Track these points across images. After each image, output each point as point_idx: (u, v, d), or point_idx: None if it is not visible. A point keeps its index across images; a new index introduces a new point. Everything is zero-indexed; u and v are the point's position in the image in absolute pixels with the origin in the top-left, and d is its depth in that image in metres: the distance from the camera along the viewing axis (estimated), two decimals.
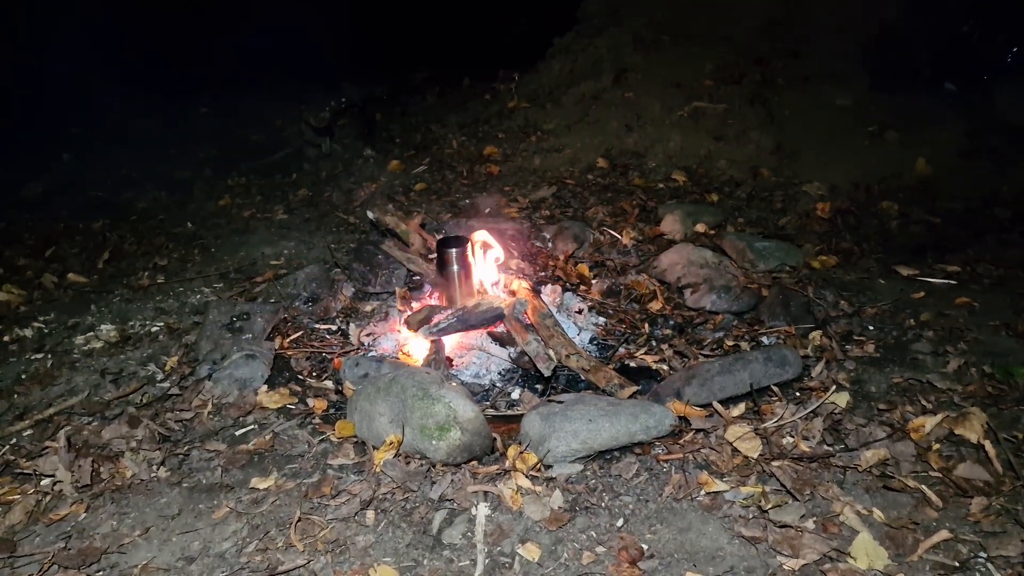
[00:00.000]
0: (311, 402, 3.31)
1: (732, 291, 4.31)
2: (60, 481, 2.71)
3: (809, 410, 2.94)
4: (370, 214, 4.94)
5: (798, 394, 3.15)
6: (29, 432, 3.08)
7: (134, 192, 6.62)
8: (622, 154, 6.52)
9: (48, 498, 2.67)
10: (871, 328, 3.71)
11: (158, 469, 2.83)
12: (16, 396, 3.40)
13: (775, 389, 3.17)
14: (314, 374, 3.62)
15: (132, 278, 4.74)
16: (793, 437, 2.84)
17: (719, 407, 3.02)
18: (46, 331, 4.03)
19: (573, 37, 8.27)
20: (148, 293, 4.48)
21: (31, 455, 2.89)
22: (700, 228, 5.08)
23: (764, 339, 3.77)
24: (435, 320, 3.83)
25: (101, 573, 2.33)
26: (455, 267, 3.99)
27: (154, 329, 3.98)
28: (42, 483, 2.73)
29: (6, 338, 3.97)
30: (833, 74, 7.03)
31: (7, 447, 2.97)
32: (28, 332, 4.01)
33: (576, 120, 7.12)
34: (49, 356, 3.75)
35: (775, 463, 2.69)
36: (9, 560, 2.38)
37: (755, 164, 6.14)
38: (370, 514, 2.57)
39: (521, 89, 8.06)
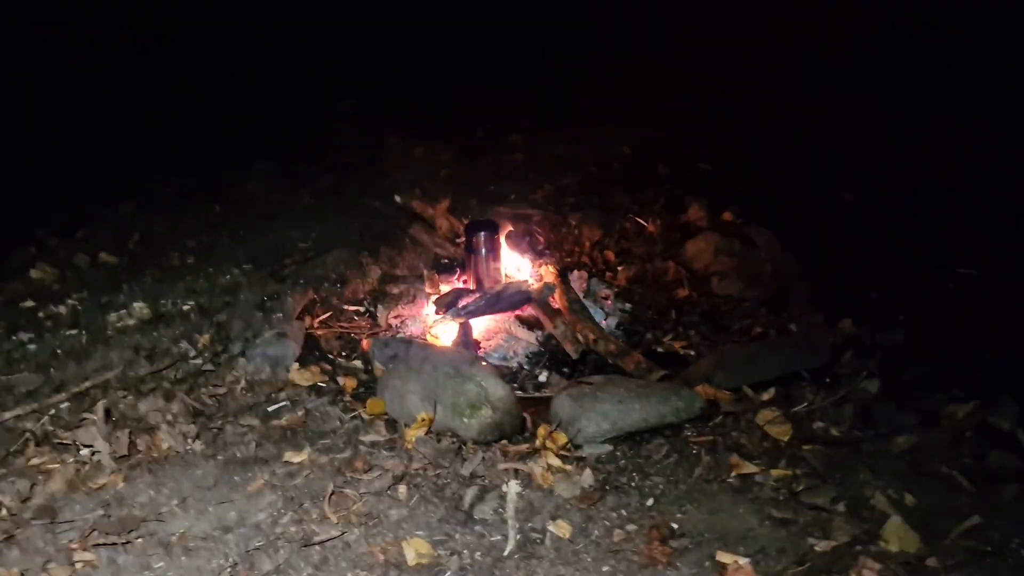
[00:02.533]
0: (341, 380, 3.35)
1: (759, 279, 4.32)
2: (98, 452, 2.76)
3: (839, 395, 2.94)
4: (397, 198, 4.97)
5: (828, 380, 3.15)
6: (66, 404, 3.13)
7: (162, 175, 6.69)
8: (646, 143, 6.52)
9: (87, 468, 2.71)
10: (900, 317, 3.70)
11: (193, 442, 2.87)
12: (52, 370, 3.45)
13: (805, 375, 3.17)
14: (343, 354, 3.66)
15: (162, 259, 4.79)
16: (823, 422, 2.84)
17: (749, 391, 3.03)
18: (79, 308, 4.09)
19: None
20: (178, 273, 4.53)
21: (69, 426, 2.94)
22: (727, 216, 5.07)
23: (792, 327, 3.77)
24: (463, 303, 3.86)
25: (140, 540, 2.37)
26: (483, 251, 4.01)
27: (185, 308, 4.02)
28: (81, 453, 2.77)
29: (41, 314, 4.03)
30: None
31: (46, 418, 3.02)
32: (62, 309, 4.07)
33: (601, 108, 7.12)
34: (83, 332, 3.80)
35: (806, 447, 2.70)
36: (50, 526, 2.43)
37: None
38: (402, 489, 2.60)
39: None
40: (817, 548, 2.27)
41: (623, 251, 4.79)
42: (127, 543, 2.35)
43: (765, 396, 3.02)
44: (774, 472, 2.61)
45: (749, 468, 2.63)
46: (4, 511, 2.50)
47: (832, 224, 4.95)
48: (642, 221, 5.08)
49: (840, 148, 6.02)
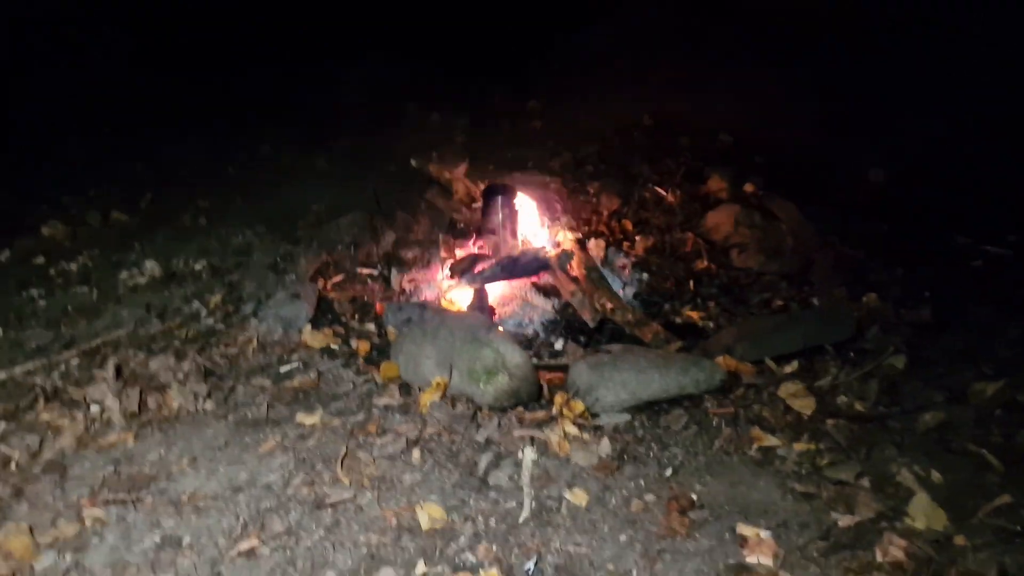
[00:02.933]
0: (354, 344, 3.30)
1: (779, 252, 4.24)
2: (109, 409, 2.72)
3: (865, 370, 2.87)
4: (413, 162, 4.89)
5: (852, 355, 3.08)
6: (77, 361, 3.10)
7: (175, 135, 6.62)
8: (667, 113, 6.40)
9: (97, 424, 2.68)
10: (927, 294, 3.62)
11: (204, 402, 2.83)
12: (63, 327, 3.41)
13: (829, 349, 3.10)
14: (356, 317, 3.60)
15: (174, 219, 4.74)
16: (848, 397, 2.78)
17: (771, 364, 2.96)
18: (91, 266, 4.05)
19: None
20: (190, 233, 4.48)
21: (80, 383, 2.90)
22: (748, 188, 4.97)
23: (814, 300, 3.69)
24: (478, 268, 3.80)
25: (150, 498, 2.33)
26: (500, 216, 3.94)
27: (197, 268, 3.97)
28: (91, 410, 2.74)
29: (52, 271, 3.99)
30: None
31: (56, 374, 2.99)
32: (73, 266, 4.03)
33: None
34: (94, 290, 3.76)
35: (830, 421, 2.63)
36: (60, 481, 2.40)
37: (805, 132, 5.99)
38: (416, 453, 2.55)
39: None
40: (841, 523, 2.22)
41: (642, 221, 4.70)
42: (137, 501, 2.32)
43: (788, 369, 2.95)
44: (797, 446, 2.55)
45: (771, 441, 2.57)
46: (13, 465, 2.47)
47: (858, 199, 4.84)
48: (661, 191, 4.99)
49: (869, 122, 5.88)
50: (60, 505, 2.30)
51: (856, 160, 5.37)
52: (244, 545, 2.14)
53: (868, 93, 6.32)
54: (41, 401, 2.80)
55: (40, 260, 4.10)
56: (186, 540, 2.18)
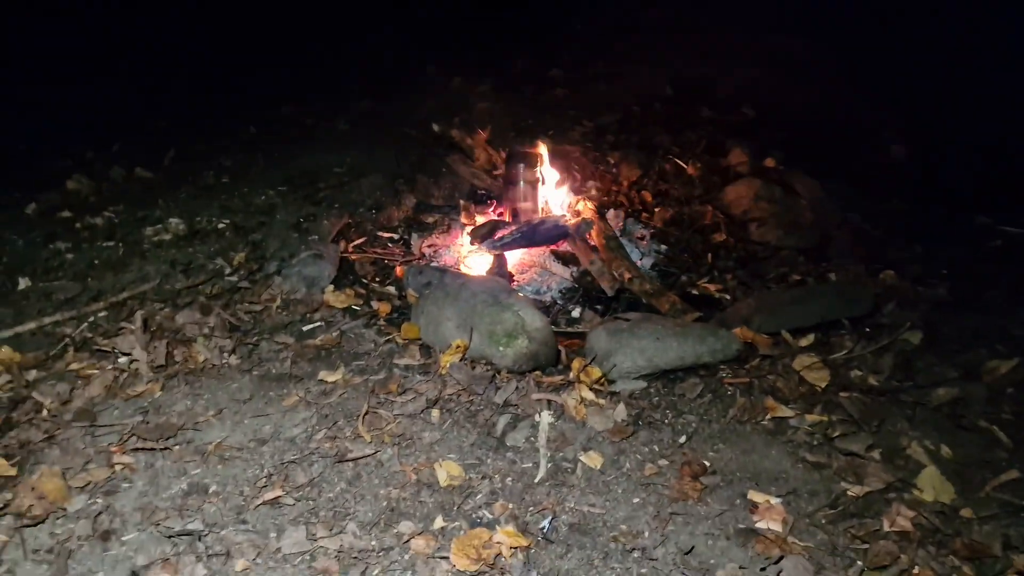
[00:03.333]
0: (375, 304, 3.35)
1: (799, 227, 4.24)
2: (136, 360, 2.78)
3: (880, 345, 2.90)
4: (435, 127, 4.90)
5: (868, 330, 3.11)
6: (104, 313, 3.16)
7: (198, 94, 6.65)
8: (689, 84, 6.37)
9: (125, 375, 2.75)
10: (944, 272, 3.63)
11: (229, 356, 2.89)
12: (90, 280, 3.48)
13: (845, 323, 3.13)
14: (377, 279, 3.65)
15: (197, 177, 4.78)
16: (862, 371, 2.81)
17: (787, 336, 2.99)
18: (116, 221, 4.10)
19: None
20: (213, 192, 4.52)
21: (108, 334, 2.97)
22: (769, 163, 4.97)
23: (832, 276, 3.71)
24: (498, 234, 3.83)
25: (178, 447, 2.41)
26: (522, 183, 3.96)
27: (221, 226, 4.02)
28: (119, 361, 2.80)
29: (77, 225, 4.05)
30: None
31: (84, 325, 3.05)
32: (99, 221, 4.09)
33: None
34: (120, 245, 3.82)
35: (843, 394, 2.67)
36: (90, 429, 2.47)
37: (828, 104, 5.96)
38: (435, 413, 2.61)
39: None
40: (850, 492, 2.26)
41: (661, 192, 4.71)
42: (165, 449, 2.39)
43: (803, 342, 2.98)
44: (809, 417, 2.59)
45: (784, 412, 2.61)
46: (45, 412, 2.54)
47: (878, 175, 4.83)
48: (682, 163, 4.99)
49: (893, 97, 5.85)
50: (91, 451, 2.37)
51: (879, 135, 5.35)
52: (268, 495, 2.21)
53: (894, 68, 6.27)
54: (71, 351, 2.87)
55: (66, 214, 4.16)
56: (212, 487, 2.25)
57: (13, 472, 2.25)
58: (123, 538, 2.07)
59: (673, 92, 6.29)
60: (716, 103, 6.07)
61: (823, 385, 2.72)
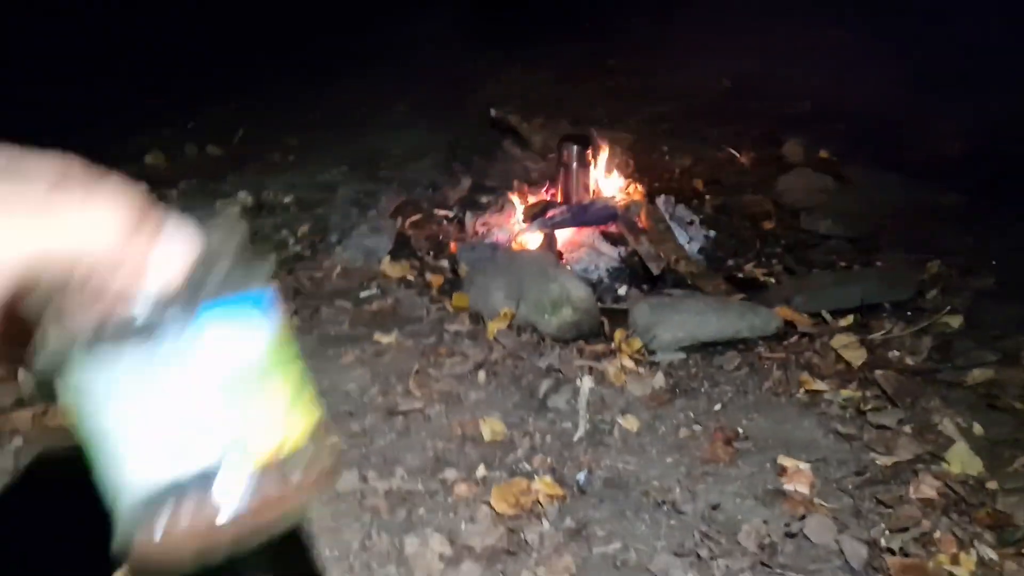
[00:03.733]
0: (429, 277, 3.51)
1: (849, 218, 4.27)
2: None
3: (919, 327, 2.95)
4: (493, 112, 5.05)
5: (909, 314, 3.15)
6: None
7: (265, 78, 6.90)
8: (747, 76, 6.39)
9: None
10: (994, 263, 3.63)
11: (293, 317, 3.08)
12: None
13: (886, 306, 3.18)
14: (432, 254, 3.81)
15: (264, 155, 5.01)
16: (900, 351, 2.86)
17: (828, 316, 3.06)
18: (189, 193, 4.35)
19: None
20: (279, 169, 4.75)
21: None
22: (822, 155, 4.99)
23: (879, 264, 3.74)
24: (549, 214, 3.95)
25: None
26: (574, 165, 4.07)
27: (286, 200, 4.24)
28: None
29: (155, 195, 4.29)
30: None
31: None
32: (174, 192, 4.34)
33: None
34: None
35: (878, 372, 2.73)
36: None
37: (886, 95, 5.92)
38: (481, 374, 2.75)
39: None
40: (878, 462, 2.34)
41: (712, 181, 4.77)
42: None
43: (843, 322, 3.04)
44: (843, 392, 2.66)
45: (819, 386, 2.68)
46: None
47: (934, 167, 4.81)
48: (735, 153, 5.05)
49: (952, 90, 5.79)
50: None
51: (935, 128, 5.31)
52: None
53: (952, 59, 6.19)
54: None
55: (144, 186, 4.42)
56: None
57: None
58: None
59: (730, 83, 6.32)
60: (773, 94, 6.08)
61: (859, 363, 2.78)
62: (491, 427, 2.51)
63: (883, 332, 2.94)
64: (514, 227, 4.10)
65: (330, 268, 3.47)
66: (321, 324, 3.07)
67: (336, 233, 3.73)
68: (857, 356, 2.80)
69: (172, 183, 4.45)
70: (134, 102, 6.12)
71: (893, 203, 4.41)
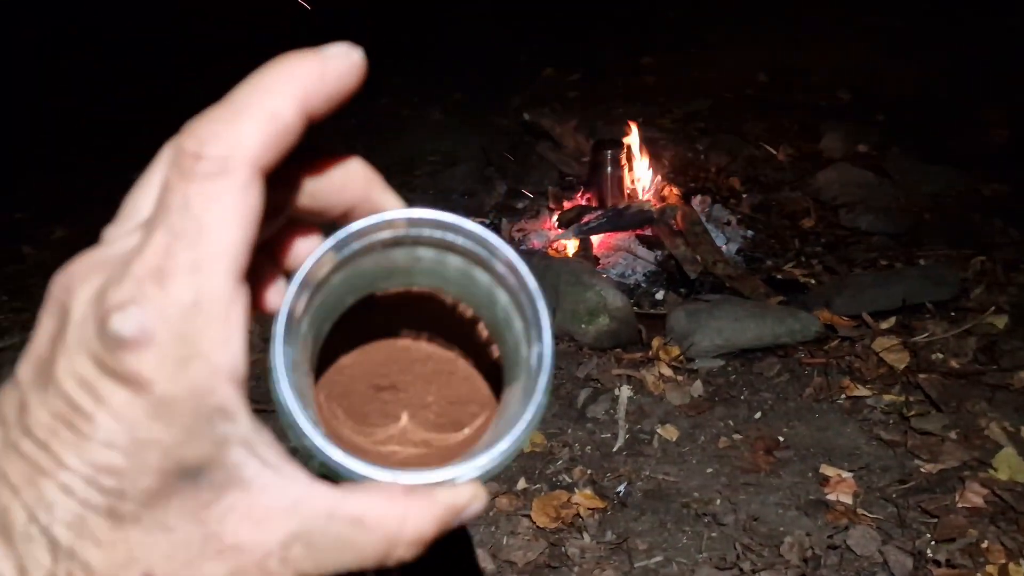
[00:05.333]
0: None
1: (891, 212, 4.20)
2: None
3: (963, 328, 2.90)
4: (526, 116, 5.06)
5: (953, 314, 3.09)
6: None
7: None
8: (783, 69, 6.31)
9: None
10: None
11: None
12: None
13: (929, 306, 3.12)
14: None
15: None
16: (943, 353, 2.82)
17: (868, 318, 3.02)
18: None
19: None
20: None
21: None
22: (862, 148, 4.91)
23: (921, 262, 3.68)
24: (585, 219, 3.95)
25: None
26: (608, 169, 4.07)
27: None
28: None
29: None
30: None
31: None
32: None
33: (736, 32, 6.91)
34: None
35: (922, 375, 2.69)
36: None
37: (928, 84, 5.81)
38: None
39: None
40: (923, 469, 2.31)
41: (750, 179, 4.73)
42: None
43: (884, 324, 3.00)
44: (886, 397, 2.63)
45: (861, 391, 2.65)
46: None
47: (977, 159, 4.71)
48: (772, 149, 4.99)
49: (997, 79, 5.66)
50: None
51: (979, 117, 5.20)
52: None
53: (997, 47, 6.05)
54: None
55: None
56: None
57: None
58: None
59: (766, 77, 6.25)
60: (810, 87, 6.00)
61: (902, 366, 2.74)
62: (531, 438, 2.53)
63: (926, 334, 2.89)
64: (549, 233, 4.11)
65: None
66: None
67: None
68: (900, 359, 2.77)
69: None
70: (174, 94, 6.24)
71: (935, 196, 4.33)
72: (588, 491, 2.30)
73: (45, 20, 7.08)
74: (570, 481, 2.35)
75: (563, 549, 2.12)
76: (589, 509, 2.23)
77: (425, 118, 6.03)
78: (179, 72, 6.21)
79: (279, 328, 0.41)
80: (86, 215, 4.17)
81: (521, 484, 2.34)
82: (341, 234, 0.45)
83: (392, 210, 0.48)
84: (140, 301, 0.34)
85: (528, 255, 3.66)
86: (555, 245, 4.00)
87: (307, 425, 0.40)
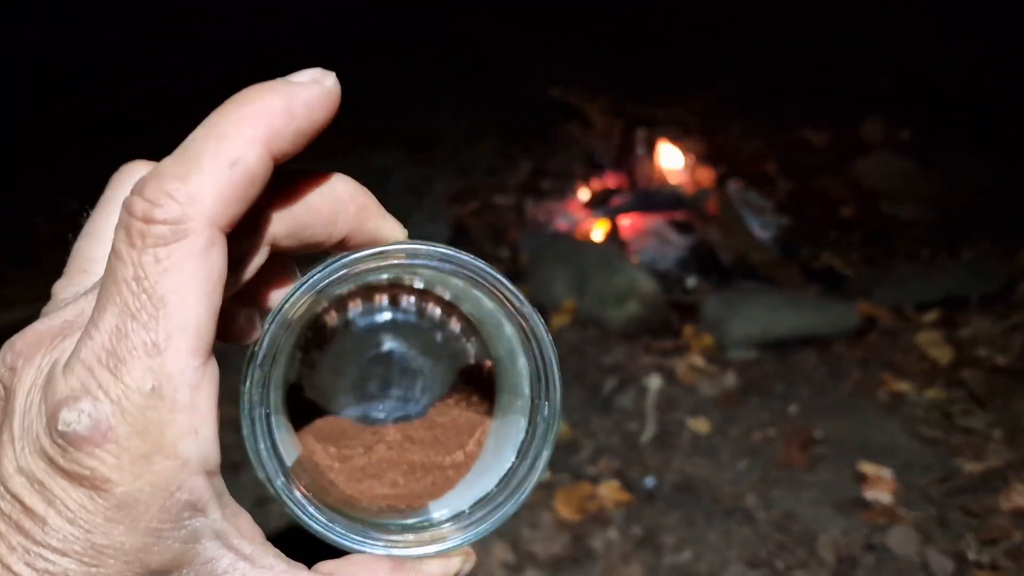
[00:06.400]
0: None
1: (934, 203, 4.06)
2: None
3: (1010, 323, 2.77)
4: (553, 92, 4.94)
5: (999, 308, 2.96)
6: None
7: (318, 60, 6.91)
8: (822, 50, 6.13)
9: None
10: None
11: None
12: None
13: (974, 299, 2.99)
14: (491, 241, 3.74)
15: (317, 137, 5.00)
16: (989, 349, 2.69)
17: (910, 311, 2.90)
18: None
19: None
20: (332, 152, 4.70)
21: None
22: (904, 135, 4.75)
23: (966, 254, 3.54)
24: (614, 201, 3.85)
25: None
26: (639, 150, 3.96)
27: None
28: None
29: None
30: None
31: None
32: None
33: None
34: None
35: (966, 371, 2.57)
36: None
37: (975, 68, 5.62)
38: None
39: None
40: (966, 468, 2.20)
41: (786, 164, 4.59)
42: None
43: (927, 317, 2.88)
44: (928, 393, 2.51)
45: (902, 387, 2.54)
46: None
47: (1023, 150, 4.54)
48: (810, 135, 4.84)
49: None
50: None
51: None
52: None
53: None
54: None
55: None
56: None
57: None
58: None
59: (804, 58, 6.08)
60: (851, 70, 5.82)
61: (945, 362, 2.63)
62: None
63: (970, 328, 2.77)
64: (576, 214, 4.00)
65: None
66: None
67: None
68: (943, 354, 2.65)
69: None
70: (191, 80, 6.19)
71: (981, 186, 4.18)
72: (614, 483, 2.21)
73: (45, 20, 7.05)
74: (595, 472, 2.27)
75: (587, 542, 2.04)
76: (615, 501, 2.15)
77: (447, 92, 5.92)
78: (179, 72, 6.12)
79: (251, 398, 0.40)
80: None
81: (544, 475, 2.25)
82: (317, 276, 0.43)
83: (389, 244, 0.46)
84: (93, 392, 0.30)
85: (554, 238, 3.56)
86: (582, 227, 3.90)
87: (291, 504, 0.40)
